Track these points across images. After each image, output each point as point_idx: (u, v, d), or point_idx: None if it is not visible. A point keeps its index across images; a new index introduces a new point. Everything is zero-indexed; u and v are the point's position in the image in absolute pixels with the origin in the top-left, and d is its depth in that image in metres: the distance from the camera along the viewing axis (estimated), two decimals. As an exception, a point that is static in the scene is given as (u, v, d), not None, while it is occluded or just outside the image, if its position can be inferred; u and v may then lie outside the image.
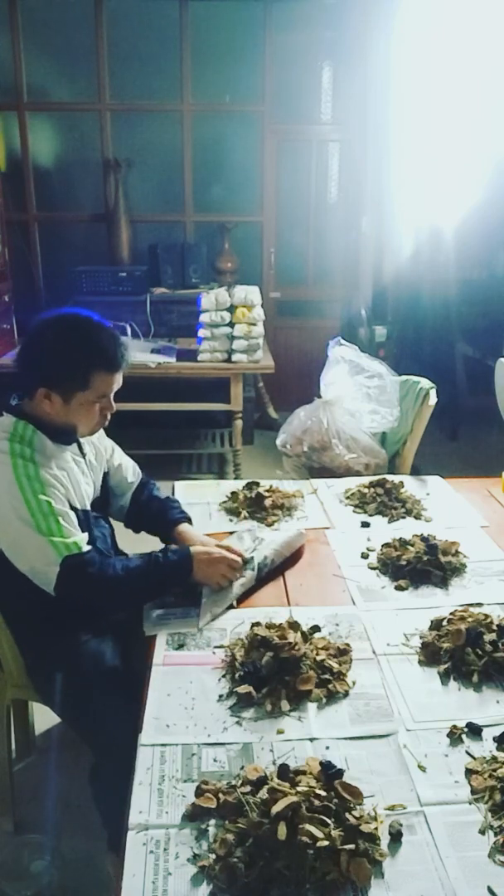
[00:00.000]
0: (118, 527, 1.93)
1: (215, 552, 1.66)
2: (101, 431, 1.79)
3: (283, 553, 1.81)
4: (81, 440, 1.73)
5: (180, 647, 1.48)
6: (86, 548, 1.55)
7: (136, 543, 2.04)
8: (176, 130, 5.03)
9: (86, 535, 1.59)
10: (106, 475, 1.86)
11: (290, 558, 1.84)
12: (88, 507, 1.71)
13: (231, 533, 1.90)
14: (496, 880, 0.97)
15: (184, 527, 1.84)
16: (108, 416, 1.67)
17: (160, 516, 1.87)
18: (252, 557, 1.73)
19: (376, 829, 1.02)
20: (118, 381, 1.63)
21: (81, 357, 1.55)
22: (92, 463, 1.78)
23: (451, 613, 1.53)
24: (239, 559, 1.68)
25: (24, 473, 1.51)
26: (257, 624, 1.47)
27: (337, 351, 2.66)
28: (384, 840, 1.02)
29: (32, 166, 5.01)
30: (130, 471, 1.92)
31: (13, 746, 1.98)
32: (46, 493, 1.52)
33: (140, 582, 1.59)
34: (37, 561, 1.51)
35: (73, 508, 1.61)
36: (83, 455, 1.74)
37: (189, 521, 1.88)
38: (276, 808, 0.99)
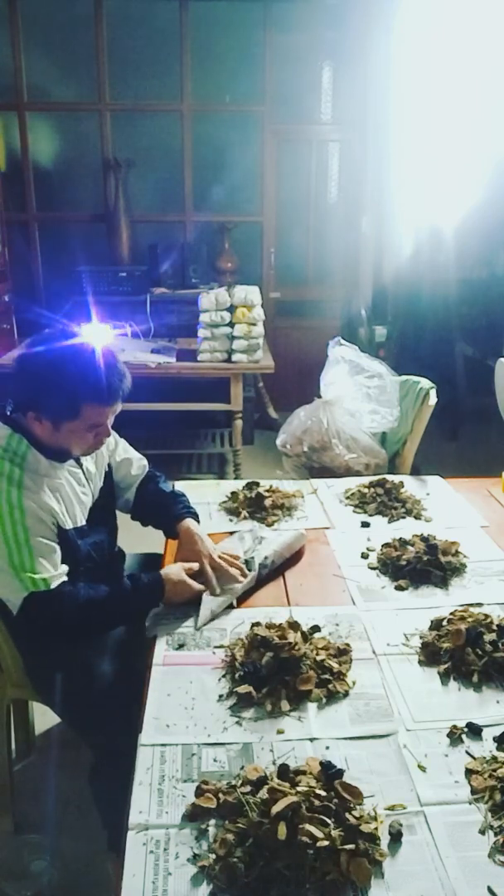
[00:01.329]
0: (123, 523, 1.92)
1: (178, 577, 1.62)
2: None
3: (283, 554, 1.81)
4: None
5: (180, 647, 1.48)
6: (55, 583, 1.50)
7: (140, 540, 2.05)
8: (176, 130, 5.03)
9: (64, 567, 1.55)
10: (108, 473, 1.83)
11: (291, 558, 1.84)
12: (84, 521, 1.67)
13: (232, 533, 1.90)
14: (496, 880, 0.97)
15: (186, 523, 1.78)
16: (104, 441, 1.64)
17: (164, 511, 1.84)
18: (252, 558, 1.73)
19: (376, 829, 1.02)
20: (115, 412, 1.58)
21: (72, 389, 1.48)
22: (90, 471, 1.74)
23: (451, 613, 1.53)
24: (202, 587, 1.64)
25: (7, 499, 1.47)
26: (257, 624, 1.47)
27: (337, 351, 2.66)
28: (384, 840, 1.02)
29: (32, 166, 5.01)
30: (135, 465, 1.89)
31: (13, 746, 1.98)
32: (26, 523, 1.48)
33: (108, 611, 1.57)
34: (3, 589, 1.50)
35: (61, 530, 1.57)
36: (80, 465, 1.70)
37: (195, 516, 1.83)
38: (276, 808, 0.99)
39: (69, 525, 1.61)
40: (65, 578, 1.54)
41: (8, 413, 1.60)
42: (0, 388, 1.64)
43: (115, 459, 1.85)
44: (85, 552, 1.67)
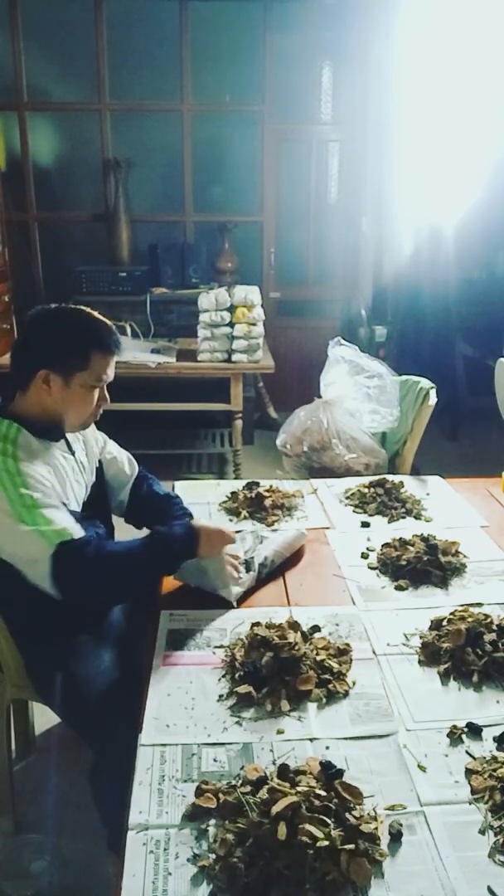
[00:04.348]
0: (117, 525, 1.92)
1: (214, 526, 1.65)
2: (91, 430, 1.78)
3: (283, 553, 1.81)
4: (70, 438, 1.70)
5: (180, 647, 1.48)
6: (79, 533, 1.50)
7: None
8: (176, 130, 5.03)
9: (75, 525, 1.53)
10: (100, 469, 1.83)
11: (291, 558, 1.84)
12: (78, 509, 1.67)
13: (235, 533, 1.90)
14: (496, 880, 0.97)
15: (185, 522, 1.81)
16: (101, 410, 1.67)
17: (162, 513, 1.84)
18: (252, 558, 1.73)
19: (376, 829, 1.02)
20: (112, 369, 1.64)
21: (80, 337, 1.58)
22: (82, 462, 1.74)
23: (451, 613, 1.53)
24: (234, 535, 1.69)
25: (4, 469, 1.48)
26: (257, 624, 1.47)
27: (337, 351, 2.66)
28: (384, 840, 1.02)
29: (32, 166, 5.01)
30: (126, 463, 1.89)
31: (13, 746, 1.98)
32: (28, 488, 1.48)
33: (144, 558, 1.54)
34: (29, 553, 1.46)
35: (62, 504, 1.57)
36: (72, 453, 1.71)
37: (191, 517, 1.84)
38: (276, 808, 0.99)
39: (68, 506, 1.60)
40: (83, 532, 1.52)
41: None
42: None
43: (104, 457, 1.86)
44: None
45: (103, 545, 1.53)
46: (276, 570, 1.78)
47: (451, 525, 2.04)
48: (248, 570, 1.70)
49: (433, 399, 2.62)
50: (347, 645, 1.45)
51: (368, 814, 1.05)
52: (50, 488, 1.53)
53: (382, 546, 1.86)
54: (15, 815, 1.88)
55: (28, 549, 1.46)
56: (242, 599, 1.66)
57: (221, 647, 1.47)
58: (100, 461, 1.84)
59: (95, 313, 1.64)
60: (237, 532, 1.89)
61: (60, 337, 1.58)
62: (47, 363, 1.56)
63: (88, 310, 1.65)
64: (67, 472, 1.66)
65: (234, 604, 1.63)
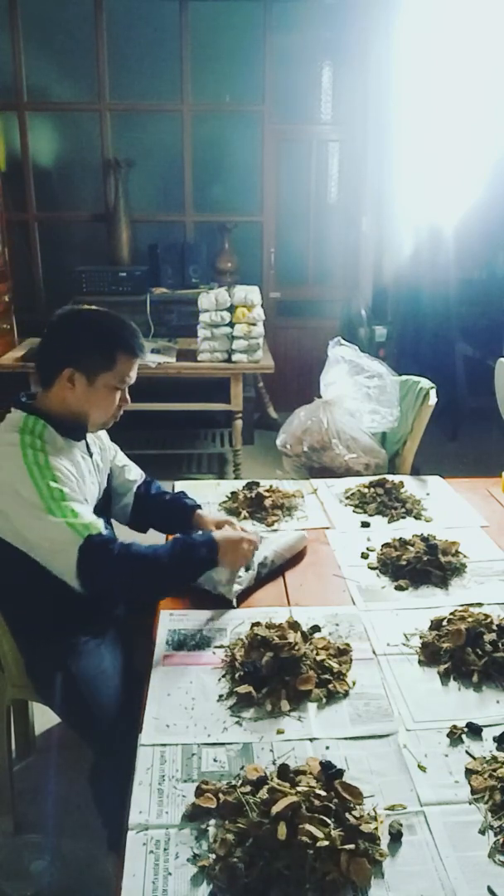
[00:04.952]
0: (118, 530, 1.93)
1: (235, 534, 1.66)
2: (105, 433, 1.81)
3: (283, 555, 1.81)
4: (89, 441, 1.74)
5: (180, 647, 1.48)
6: (105, 531, 1.53)
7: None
8: (176, 130, 5.03)
9: (100, 521, 1.56)
10: (109, 476, 1.86)
11: (291, 559, 1.84)
12: (93, 509, 1.70)
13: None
14: (496, 880, 0.97)
15: (201, 511, 1.86)
16: (121, 412, 1.70)
17: (174, 506, 1.88)
18: (252, 558, 1.73)
19: (376, 829, 1.02)
20: (135, 372, 1.67)
21: (107, 338, 1.61)
22: (98, 464, 1.78)
23: (451, 613, 1.53)
24: (256, 536, 1.70)
25: (35, 461, 1.51)
26: (257, 624, 1.47)
27: (337, 351, 2.66)
28: (384, 840, 1.02)
29: (32, 166, 5.01)
30: (133, 471, 1.93)
31: (13, 746, 1.98)
32: (57, 481, 1.51)
33: (169, 563, 1.54)
34: (55, 546, 1.48)
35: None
36: (90, 454, 1.75)
37: (199, 507, 1.89)
38: (276, 808, 0.99)
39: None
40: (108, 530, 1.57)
41: (23, 400, 1.65)
42: (1, 385, 1.68)
43: (115, 464, 1.90)
44: None
45: (130, 545, 1.54)
46: (276, 570, 1.78)
47: (451, 525, 2.04)
48: (247, 569, 1.70)
49: (433, 399, 2.62)
50: (347, 645, 1.45)
51: (368, 814, 1.05)
52: (75, 484, 1.57)
53: (382, 546, 1.86)
54: (15, 815, 1.88)
55: (56, 539, 1.48)
56: (241, 599, 1.66)
57: (221, 647, 1.47)
58: (111, 469, 1.88)
59: (123, 317, 1.68)
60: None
61: (88, 337, 1.61)
62: (73, 362, 1.58)
63: (115, 314, 1.68)
64: (85, 473, 1.68)
65: (234, 603, 1.63)
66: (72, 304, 1.72)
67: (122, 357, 1.61)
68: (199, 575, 1.62)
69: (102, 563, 1.48)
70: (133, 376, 1.66)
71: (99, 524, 1.52)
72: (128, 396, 1.69)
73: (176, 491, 1.97)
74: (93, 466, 1.74)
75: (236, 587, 1.65)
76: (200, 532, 1.70)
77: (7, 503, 1.51)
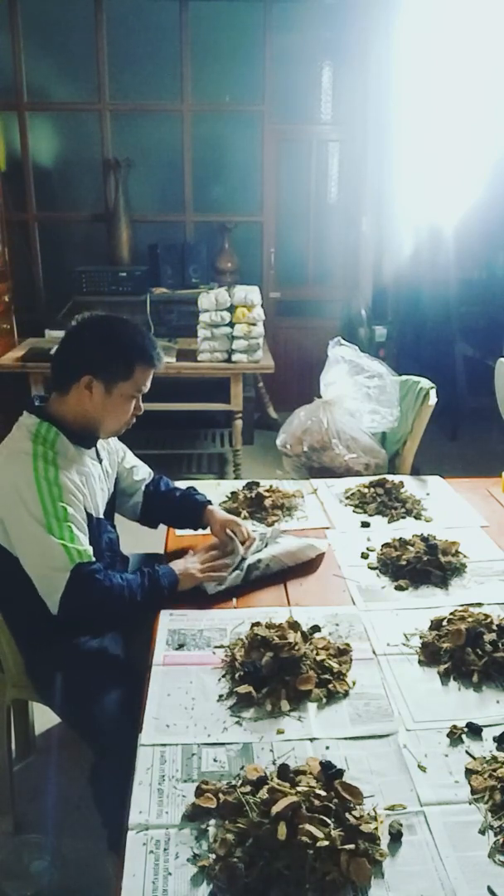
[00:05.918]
0: (121, 525, 1.93)
1: (192, 568, 1.68)
2: (112, 439, 1.82)
3: (282, 560, 1.76)
4: (98, 446, 1.75)
5: (180, 647, 1.48)
6: (93, 559, 1.55)
7: (139, 541, 2.05)
8: (176, 130, 5.03)
9: (91, 548, 1.59)
10: (116, 479, 1.88)
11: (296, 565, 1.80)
12: (102, 515, 1.72)
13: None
14: (496, 880, 0.97)
15: (211, 507, 1.89)
16: (134, 419, 1.72)
17: (184, 503, 1.90)
18: (244, 559, 1.73)
19: (376, 829, 1.02)
20: (150, 381, 1.70)
21: (127, 348, 1.63)
22: (107, 469, 1.80)
23: (451, 613, 1.53)
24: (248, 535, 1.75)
25: (45, 476, 1.52)
26: (257, 624, 1.47)
27: (337, 351, 2.66)
28: (384, 840, 1.02)
29: (32, 166, 5.01)
30: (142, 471, 1.95)
31: (13, 746, 1.98)
32: (63, 500, 1.53)
33: (139, 596, 1.58)
34: (47, 564, 1.51)
35: (87, 515, 1.63)
36: (100, 461, 1.76)
37: (210, 503, 1.91)
38: (276, 808, 0.99)
39: (94, 513, 1.66)
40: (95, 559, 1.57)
41: (36, 404, 1.66)
42: (2, 386, 1.69)
43: (123, 467, 1.91)
44: (105, 544, 1.72)
45: (110, 576, 1.56)
46: (274, 574, 1.76)
47: (451, 525, 2.04)
48: (234, 569, 1.70)
49: (433, 399, 2.62)
50: (347, 645, 1.45)
51: (368, 814, 1.05)
52: (80, 502, 1.59)
53: (382, 546, 1.86)
54: (15, 815, 1.88)
55: (49, 559, 1.50)
56: (242, 598, 1.65)
57: (221, 647, 1.47)
58: (118, 472, 1.89)
59: (142, 327, 1.71)
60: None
61: (109, 346, 1.62)
62: (92, 369, 1.60)
63: (136, 324, 1.71)
64: (95, 480, 1.70)
65: (235, 603, 1.62)
66: (72, 303, 1.71)
67: (140, 367, 1.64)
68: (162, 606, 1.63)
69: (86, 592, 1.51)
70: (148, 385, 1.69)
71: (89, 552, 1.55)
72: (141, 405, 1.71)
73: (186, 487, 1.98)
74: (102, 473, 1.75)
75: (217, 586, 1.66)
76: (164, 566, 1.69)
77: (9, 511, 1.53)
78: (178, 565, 1.69)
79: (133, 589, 1.57)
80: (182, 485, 1.97)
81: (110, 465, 1.83)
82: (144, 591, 1.59)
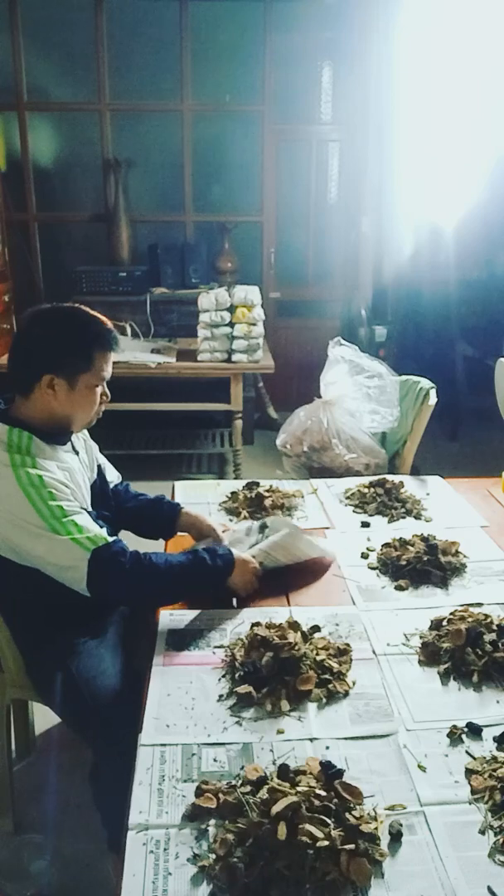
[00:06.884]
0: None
1: (252, 561, 1.66)
2: (86, 430, 1.78)
3: (274, 556, 1.74)
4: (73, 439, 1.72)
5: (180, 647, 1.48)
6: (111, 538, 1.53)
7: (138, 541, 2.04)
8: (176, 130, 5.03)
9: (103, 529, 1.57)
10: (100, 470, 1.86)
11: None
12: (90, 507, 1.70)
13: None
14: (496, 880, 0.97)
15: (187, 510, 1.87)
16: (103, 407, 1.68)
17: (158, 505, 1.89)
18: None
19: (376, 829, 1.02)
20: (111, 366, 1.64)
21: (82, 338, 1.57)
22: (84, 461, 1.77)
23: (451, 613, 1.53)
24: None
25: (30, 483, 1.49)
26: (257, 624, 1.47)
27: (337, 351, 2.66)
28: (384, 840, 1.02)
29: (32, 166, 5.01)
30: (111, 473, 1.94)
31: (13, 746, 1.98)
32: (56, 499, 1.50)
33: (180, 578, 1.55)
34: (65, 561, 1.48)
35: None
36: (76, 453, 1.73)
37: (180, 508, 1.90)
38: (276, 808, 0.99)
39: (84, 506, 1.63)
40: (115, 538, 1.55)
41: (1, 408, 1.62)
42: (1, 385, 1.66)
43: (100, 460, 1.89)
44: None
45: (140, 556, 1.54)
46: (276, 571, 1.76)
47: (451, 525, 2.04)
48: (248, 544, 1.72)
49: (433, 399, 2.62)
50: (347, 645, 1.45)
51: (368, 814, 1.05)
52: (70, 494, 1.56)
53: (382, 546, 1.86)
54: (15, 815, 1.88)
55: (64, 556, 1.49)
56: (241, 598, 1.65)
57: (221, 647, 1.47)
58: (99, 465, 1.87)
59: (91, 311, 1.64)
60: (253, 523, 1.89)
61: (63, 340, 1.57)
62: (51, 367, 1.55)
63: (84, 308, 1.64)
64: (77, 473, 1.68)
65: (235, 603, 1.62)
66: (72, 303, 1.69)
67: (98, 354, 1.59)
68: (207, 589, 1.61)
69: (112, 575, 1.49)
70: (109, 370, 1.64)
71: (102, 534, 1.52)
72: (107, 391, 1.66)
73: (155, 495, 1.96)
74: (80, 464, 1.73)
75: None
76: (223, 550, 1.65)
77: (7, 529, 1.51)
78: (238, 553, 1.65)
79: (172, 563, 1.54)
80: (182, 485, 1.97)
81: (88, 456, 1.80)
82: (186, 566, 1.55)
